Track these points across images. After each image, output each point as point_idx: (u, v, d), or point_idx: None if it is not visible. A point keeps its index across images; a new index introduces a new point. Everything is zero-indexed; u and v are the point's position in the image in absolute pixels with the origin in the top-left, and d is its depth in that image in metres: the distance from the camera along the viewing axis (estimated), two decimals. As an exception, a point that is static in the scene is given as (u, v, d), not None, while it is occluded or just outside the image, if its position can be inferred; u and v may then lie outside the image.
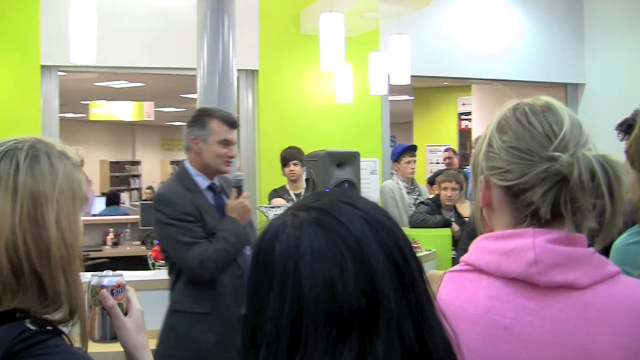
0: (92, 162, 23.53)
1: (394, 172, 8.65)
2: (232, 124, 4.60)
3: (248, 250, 4.44)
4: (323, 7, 7.63)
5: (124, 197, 20.81)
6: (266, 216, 5.77)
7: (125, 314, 2.01)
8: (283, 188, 8.08)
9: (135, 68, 9.22)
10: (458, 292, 1.67)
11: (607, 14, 10.64)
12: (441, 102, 15.65)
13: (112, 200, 13.09)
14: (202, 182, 4.47)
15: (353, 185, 7.04)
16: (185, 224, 4.26)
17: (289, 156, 7.95)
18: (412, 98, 16.62)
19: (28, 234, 1.69)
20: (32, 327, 1.65)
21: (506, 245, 1.62)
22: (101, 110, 16.17)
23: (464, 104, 15.24)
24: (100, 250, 10.33)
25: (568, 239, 1.61)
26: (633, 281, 1.66)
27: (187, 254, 4.20)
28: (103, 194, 14.64)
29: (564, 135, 1.61)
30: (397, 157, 8.58)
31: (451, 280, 1.71)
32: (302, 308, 1.20)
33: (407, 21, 8.91)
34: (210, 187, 4.51)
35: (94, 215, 12.55)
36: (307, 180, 7.27)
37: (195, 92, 6.90)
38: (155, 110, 18.29)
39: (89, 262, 9.75)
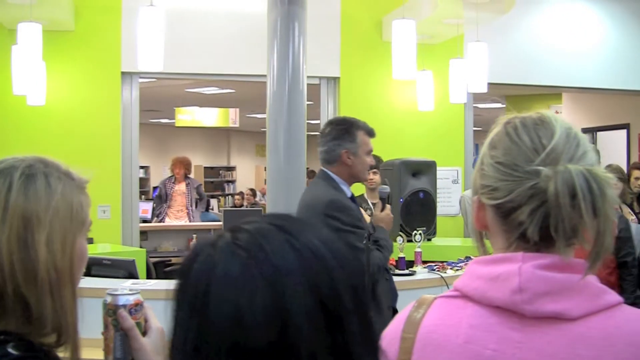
0: (187, 167, 23.75)
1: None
2: (373, 134, 4.72)
3: None
4: (405, 14, 7.51)
5: (214, 203, 20.96)
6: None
7: (144, 333, 1.94)
8: (362, 197, 7.99)
9: (210, 75, 9.34)
10: (442, 319, 1.58)
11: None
12: (534, 109, 15.24)
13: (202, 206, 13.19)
14: (347, 191, 4.58)
15: (428, 194, 6.95)
16: (360, 231, 4.32)
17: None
18: (503, 106, 16.35)
19: (15, 255, 1.64)
20: (14, 352, 1.59)
21: (494, 270, 1.51)
22: (187, 116, 16.30)
23: (556, 112, 14.89)
24: (182, 257, 10.37)
25: (561, 264, 1.47)
26: (636, 312, 1.50)
27: (366, 260, 4.25)
28: (194, 200, 14.77)
29: (553, 149, 1.49)
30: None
31: (439, 307, 1.62)
32: (206, 336, 1.12)
33: (493, 28, 8.75)
34: (351, 198, 4.61)
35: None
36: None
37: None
38: (248, 117, 18.39)
39: (169, 268, 9.84)
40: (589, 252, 1.46)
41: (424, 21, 7.85)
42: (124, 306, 1.92)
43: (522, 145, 1.52)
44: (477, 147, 25.18)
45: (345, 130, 4.57)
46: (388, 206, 4.69)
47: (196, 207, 12.20)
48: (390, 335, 1.65)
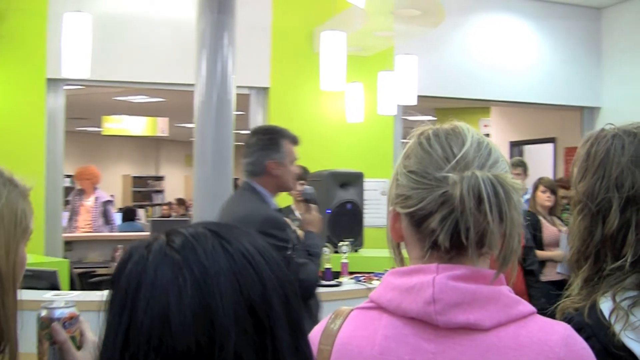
0: (115, 176, 23.55)
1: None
2: (298, 142, 4.59)
3: None
4: (336, 26, 7.52)
5: (141, 213, 20.74)
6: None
7: (79, 348, 1.89)
8: (288, 208, 7.95)
9: (139, 83, 9.19)
10: (357, 331, 1.57)
11: (624, 37, 10.50)
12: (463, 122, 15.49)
13: (128, 215, 13.01)
14: (273, 204, 4.46)
15: (356, 206, 6.95)
16: (294, 245, 4.26)
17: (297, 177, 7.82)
18: (434, 119, 16.48)
19: None
20: None
21: (408, 281, 1.50)
22: (115, 125, 16.13)
23: (485, 126, 15.09)
24: (107, 267, 10.23)
25: (474, 275, 1.47)
26: (549, 322, 1.50)
27: (302, 275, 4.20)
28: (120, 210, 14.57)
29: (463, 157, 1.49)
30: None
31: (354, 318, 1.61)
32: (134, 335, 1.12)
33: (424, 41, 8.82)
34: (277, 209, 4.52)
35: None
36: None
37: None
38: (178, 126, 18.25)
39: (95, 279, 9.68)
40: (497, 256, 1.49)
41: (355, 34, 7.86)
42: (59, 319, 1.87)
43: (434, 154, 1.52)
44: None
45: (270, 140, 4.47)
46: (314, 207, 4.66)
47: (105, 223, 11.38)
48: None
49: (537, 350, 1.42)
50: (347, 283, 6.03)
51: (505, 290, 1.49)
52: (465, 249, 1.47)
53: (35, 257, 7.39)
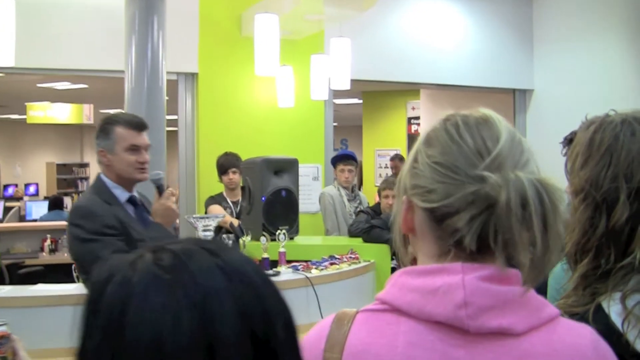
0: (38, 164, 23.19)
1: (336, 179, 8.39)
2: (139, 126, 4.21)
3: None
4: (264, 9, 7.40)
5: (67, 200, 20.43)
6: (195, 227, 5.50)
7: None
8: (220, 195, 7.84)
9: (63, 70, 8.87)
10: (372, 337, 1.42)
11: (555, 20, 10.53)
12: (390, 106, 15.50)
13: (55, 204, 12.73)
14: (121, 194, 4.14)
15: (290, 193, 6.85)
16: (108, 238, 3.90)
17: (227, 163, 7.70)
18: (360, 101, 16.46)
19: None
20: None
21: (431, 282, 1.38)
22: (39, 112, 15.81)
23: (413, 108, 15.13)
24: (36, 258, 10.04)
25: (500, 276, 1.37)
26: (574, 325, 1.45)
27: None
28: (46, 198, 14.28)
29: (499, 153, 1.38)
30: (334, 164, 8.37)
31: (365, 322, 1.46)
32: None
33: (354, 25, 8.74)
34: (130, 200, 4.18)
35: (34, 220, 12.23)
36: (242, 188, 7.06)
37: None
38: (103, 112, 17.97)
39: (24, 270, 9.47)
40: (530, 267, 1.36)
41: (284, 17, 7.73)
42: None
43: (464, 146, 1.41)
44: (345, 142, 25.19)
45: (101, 128, 4.17)
46: (167, 192, 4.26)
47: None
48: (308, 356, 1.47)
49: (569, 355, 1.38)
50: (286, 272, 5.92)
51: (533, 292, 1.41)
52: (489, 251, 1.37)
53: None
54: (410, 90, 13.87)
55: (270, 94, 8.91)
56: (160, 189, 4.25)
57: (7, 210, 13.97)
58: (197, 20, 8.86)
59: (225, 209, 7.65)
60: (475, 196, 1.34)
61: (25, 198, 20.20)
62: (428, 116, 13.94)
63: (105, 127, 4.14)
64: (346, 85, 8.06)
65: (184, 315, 1.00)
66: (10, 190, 21.48)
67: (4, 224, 11.24)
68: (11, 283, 8.71)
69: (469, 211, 1.35)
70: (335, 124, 10.18)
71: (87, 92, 15.93)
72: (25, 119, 16.32)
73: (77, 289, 5.61)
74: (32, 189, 22.47)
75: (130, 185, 4.20)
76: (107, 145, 4.10)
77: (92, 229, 3.89)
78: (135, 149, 4.14)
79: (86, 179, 24.71)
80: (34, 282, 5.31)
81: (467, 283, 1.35)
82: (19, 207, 14.44)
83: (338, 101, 16.05)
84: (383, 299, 1.45)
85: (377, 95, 15.42)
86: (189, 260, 1.06)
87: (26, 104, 15.71)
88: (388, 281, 1.48)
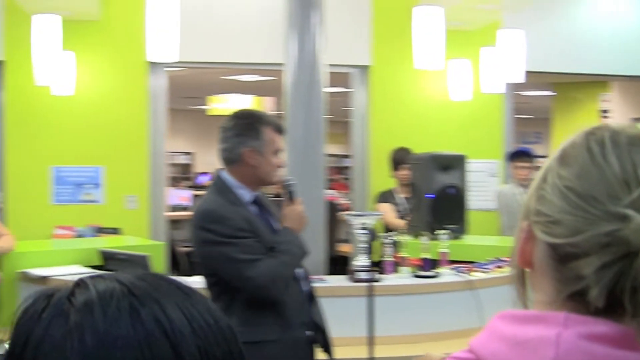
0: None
1: (512, 176, 8.04)
2: (283, 130, 4.14)
3: None
4: (435, 0, 7.16)
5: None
6: (350, 224, 5.34)
7: None
8: (391, 191, 7.66)
9: (231, 64, 9.17)
10: None
11: None
12: (582, 98, 14.85)
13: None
14: (246, 195, 3.98)
15: (458, 190, 6.60)
16: (243, 240, 3.77)
17: (401, 159, 7.51)
18: (554, 94, 15.83)
19: None
20: None
21: (523, 332, 1.10)
22: (219, 104, 16.08)
23: (605, 101, 14.44)
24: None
25: (621, 336, 1.06)
26: None
27: (252, 273, 3.70)
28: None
29: None
30: (509, 160, 8.02)
31: None
32: None
33: (532, 13, 8.37)
34: (254, 201, 4.03)
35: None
36: (411, 184, 6.86)
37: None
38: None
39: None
40: None
41: (457, 7, 7.47)
42: None
43: (608, 172, 1.10)
44: (538, 135, 24.43)
45: (249, 125, 4.00)
46: (297, 199, 4.08)
47: None
48: None
49: None
50: (446, 274, 5.68)
51: None
52: (620, 309, 1.07)
53: (138, 239, 7.36)
54: (602, 81, 13.23)
55: (443, 88, 8.71)
56: (291, 195, 4.09)
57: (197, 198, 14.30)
58: (369, 13, 8.74)
59: (396, 205, 7.48)
60: (611, 238, 1.05)
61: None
62: (620, 109, 13.25)
63: (255, 127, 3.98)
64: (520, 79, 7.71)
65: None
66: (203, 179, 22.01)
67: (185, 213, 11.45)
68: (190, 271, 8.90)
69: (601, 257, 1.05)
70: (523, 116, 9.77)
71: (271, 84, 16.06)
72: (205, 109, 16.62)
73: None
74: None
75: (259, 187, 4.08)
76: (258, 146, 3.94)
77: (224, 233, 3.77)
78: (278, 153, 4.04)
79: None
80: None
81: (564, 340, 1.06)
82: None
83: (525, 93, 15.55)
84: (472, 345, 1.19)
85: (568, 87, 14.79)
86: (98, 301, 0.91)
87: (207, 96, 16.00)
88: (486, 325, 1.20)
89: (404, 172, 7.44)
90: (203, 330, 0.93)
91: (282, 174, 4.14)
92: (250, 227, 3.82)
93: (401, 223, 6.93)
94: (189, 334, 0.91)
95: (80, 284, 0.94)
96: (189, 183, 21.16)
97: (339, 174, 21.74)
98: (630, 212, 1.04)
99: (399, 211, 7.42)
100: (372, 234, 4.85)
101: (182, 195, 14.56)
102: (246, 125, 3.99)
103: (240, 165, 3.95)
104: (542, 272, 1.16)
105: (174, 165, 23.23)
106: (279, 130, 4.06)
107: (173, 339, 0.90)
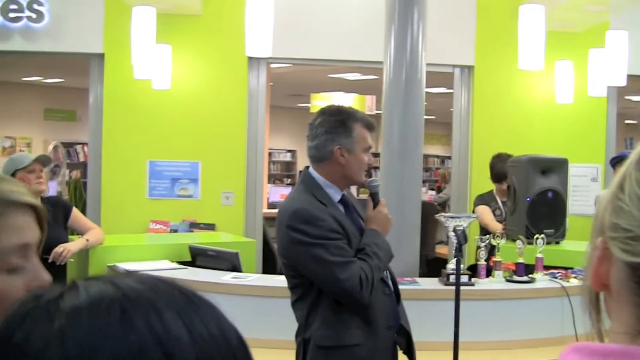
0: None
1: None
2: (373, 127, 3.97)
3: None
4: (544, 1, 7.02)
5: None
6: (445, 226, 5.28)
7: None
8: (490, 194, 7.54)
9: (329, 61, 9.10)
10: None
11: None
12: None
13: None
14: (334, 194, 3.88)
15: (558, 194, 6.46)
16: (334, 242, 3.68)
17: (503, 174, 7.16)
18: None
19: None
20: None
21: None
22: (322, 102, 16.09)
23: None
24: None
25: None
26: None
27: (343, 275, 3.60)
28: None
29: None
30: (613, 165, 7.81)
31: None
32: None
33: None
34: (342, 200, 3.93)
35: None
36: (508, 187, 6.74)
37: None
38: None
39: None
40: None
41: (562, 8, 7.32)
42: None
43: None
44: (630, 142, 23.82)
45: (340, 122, 3.86)
46: (382, 201, 3.97)
47: None
48: None
49: None
50: (541, 280, 5.57)
51: None
52: None
53: (232, 236, 7.39)
54: None
55: (548, 90, 8.52)
56: (375, 197, 3.99)
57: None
58: (474, 12, 8.63)
59: (494, 210, 7.36)
60: None
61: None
62: None
63: (346, 123, 3.87)
64: (622, 82, 7.51)
65: None
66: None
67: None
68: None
69: None
70: (630, 121, 9.50)
71: (375, 83, 16.04)
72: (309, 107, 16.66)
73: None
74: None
75: (347, 186, 3.99)
76: (348, 143, 3.84)
77: (316, 234, 3.68)
78: (368, 150, 3.92)
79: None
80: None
81: None
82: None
83: (635, 98, 15.16)
84: None
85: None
86: (91, 307, 0.83)
87: (310, 94, 16.01)
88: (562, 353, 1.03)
89: (504, 188, 7.20)
90: (205, 342, 0.84)
91: (372, 173, 4.07)
92: (340, 227, 3.75)
93: (499, 226, 6.81)
94: (186, 344, 0.83)
95: (72, 285, 0.87)
96: (291, 180, 21.31)
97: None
98: None
99: (497, 215, 7.30)
100: (464, 237, 4.74)
101: (282, 193, 14.63)
102: (337, 122, 3.87)
103: (330, 163, 3.86)
104: (621, 298, 1.00)
105: (277, 162, 23.42)
106: (370, 127, 3.93)
107: (167, 348, 0.81)
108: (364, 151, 3.88)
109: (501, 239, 5.68)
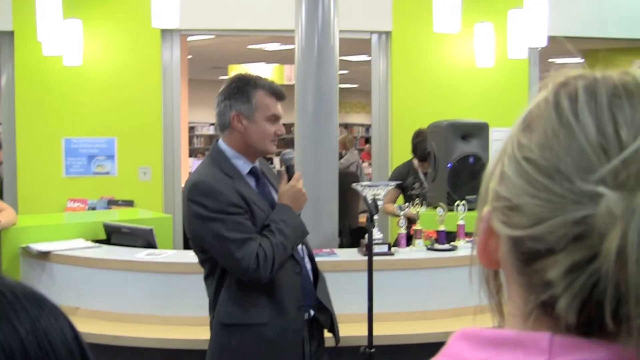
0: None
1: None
2: (280, 95, 3.78)
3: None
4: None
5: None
6: (363, 196, 5.09)
7: None
8: (408, 165, 7.30)
9: (240, 31, 8.94)
10: None
11: None
12: (615, 65, 14.47)
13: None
14: (243, 166, 3.72)
15: (479, 159, 6.34)
16: (233, 217, 3.52)
17: (426, 154, 6.92)
18: (581, 61, 15.50)
19: None
20: None
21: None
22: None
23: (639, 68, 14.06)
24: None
25: None
26: None
27: (239, 253, 3.46)
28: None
29: (636, 153, 0.75)
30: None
31: None
32: None
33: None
34: (252, 172, 3.77)
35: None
36: (428, 153, 6.57)
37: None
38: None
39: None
40: None
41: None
42: None
43: (580, 135, 0.80)
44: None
45: (238, 88, 3.71)
46: (296, 175, 3.80)
47: None
48: None
49: None
50: (463, 247, 5.43)
51: None
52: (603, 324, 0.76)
53: (151, 212, 7.19)
54: (636, 47, 12.83)
55: (467, 53, 8.42)
56: (289, 170, 3.82)
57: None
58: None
59: (413, 184, 7.16)
60: (583, 228, 0.75)
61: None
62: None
63: (244, 89, 3.70)
64: (542, 43, 7.41)
65: None
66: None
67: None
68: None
69: (570, 254, 0.76)
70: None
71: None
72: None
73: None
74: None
75: (255, 157, 3.81)
76: (246, 110, 3.68)
77: (215, 207, 3.52)
78: (275, 119, 3.74)
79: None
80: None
81: None
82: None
83: (559, 60, 15.21)
84: None
85: (599, 53, 14.41)
86: None
87: (228, 65, 15.81)
88: (448, 341, 0.90)
89: (426, 166, 6.95)
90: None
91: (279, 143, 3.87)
92: (243, 202, 3.59)
93: (390, 208, 6.62)
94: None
95: None
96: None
97: (367, 144, 21.61)
98: (602, 188, 0.75)
99: (416, 188, 7.10)
100: (376, 206, 4.54)
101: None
102: (235, 88, 3.73)
103: (231, 132, 3.72)
104: (509, 277, 0.88)
105: (200, 136, 23.09)
106: (277, 95, 3.76)
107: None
108: (267, 120, 3.71)
109: (421, 206, 5.53)
